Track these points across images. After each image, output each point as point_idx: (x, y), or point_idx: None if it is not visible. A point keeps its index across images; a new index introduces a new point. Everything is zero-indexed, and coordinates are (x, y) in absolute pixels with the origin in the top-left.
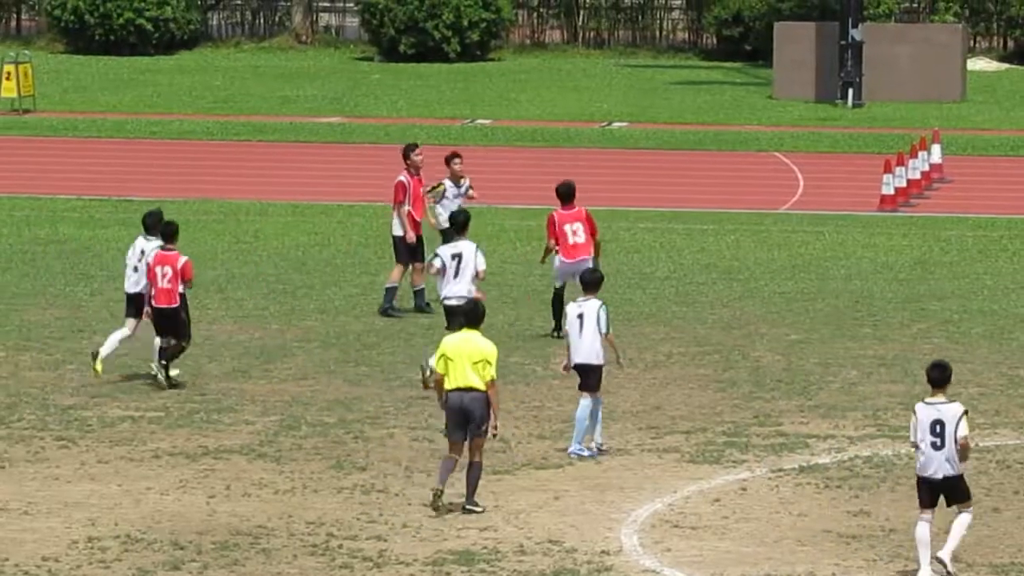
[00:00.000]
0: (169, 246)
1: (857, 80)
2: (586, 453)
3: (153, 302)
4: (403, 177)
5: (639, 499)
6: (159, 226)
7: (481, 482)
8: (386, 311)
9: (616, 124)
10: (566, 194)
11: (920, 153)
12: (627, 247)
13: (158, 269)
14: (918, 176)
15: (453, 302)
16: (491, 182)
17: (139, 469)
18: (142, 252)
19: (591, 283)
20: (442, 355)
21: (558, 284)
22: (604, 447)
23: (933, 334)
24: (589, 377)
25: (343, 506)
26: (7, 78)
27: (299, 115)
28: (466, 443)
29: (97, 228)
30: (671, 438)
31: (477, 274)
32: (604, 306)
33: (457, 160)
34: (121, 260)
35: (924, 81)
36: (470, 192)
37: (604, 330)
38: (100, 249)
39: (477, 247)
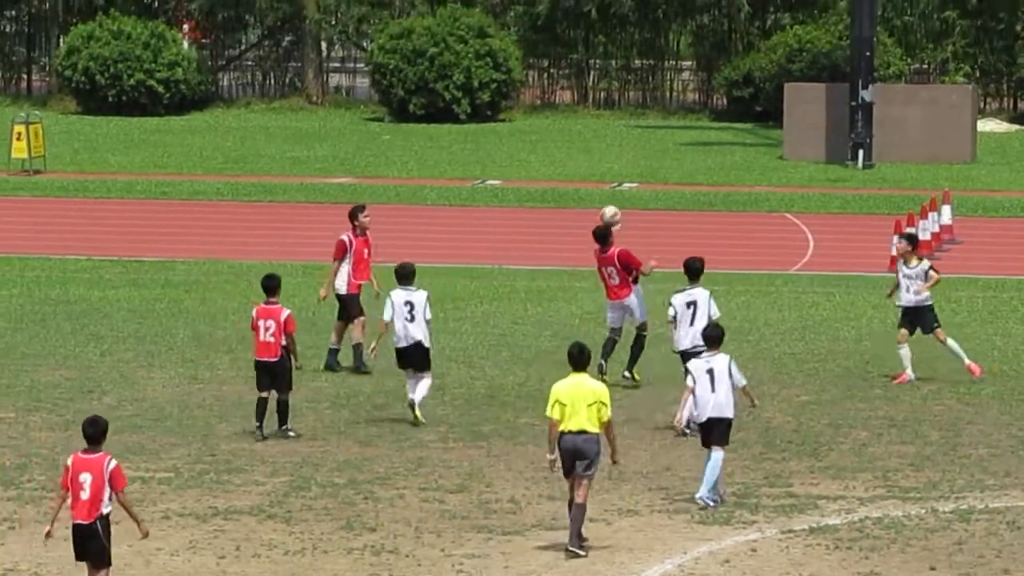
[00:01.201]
0: (272, 300)
1: (867, 141)
2: (711, 502)
3: (255, 355)
4: (346, 236)
5: (649, 560)
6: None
7: (491, 543)
8: (358, 368)
9: (626, 185)
10: (596, 236)
11: (930, 214)
12: None
13: (261, 323)
14: (928, 237)
15: (687, 347)
16: (501, 243)
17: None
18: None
19: (715, 338)
20: (556, 400)
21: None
22: (718, 501)
23: (943, 395)
24: (720, 430)
25: (353, 567)
26: (18, 138)
27: (309, 175)
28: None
29: (107, 289)
30: (681, 499)
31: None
32: (732, 359)
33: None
34: (131, 321)
35: (934, 142)
36: None
37: (740, 383)
38: (110, 310)
39: (710, 294)
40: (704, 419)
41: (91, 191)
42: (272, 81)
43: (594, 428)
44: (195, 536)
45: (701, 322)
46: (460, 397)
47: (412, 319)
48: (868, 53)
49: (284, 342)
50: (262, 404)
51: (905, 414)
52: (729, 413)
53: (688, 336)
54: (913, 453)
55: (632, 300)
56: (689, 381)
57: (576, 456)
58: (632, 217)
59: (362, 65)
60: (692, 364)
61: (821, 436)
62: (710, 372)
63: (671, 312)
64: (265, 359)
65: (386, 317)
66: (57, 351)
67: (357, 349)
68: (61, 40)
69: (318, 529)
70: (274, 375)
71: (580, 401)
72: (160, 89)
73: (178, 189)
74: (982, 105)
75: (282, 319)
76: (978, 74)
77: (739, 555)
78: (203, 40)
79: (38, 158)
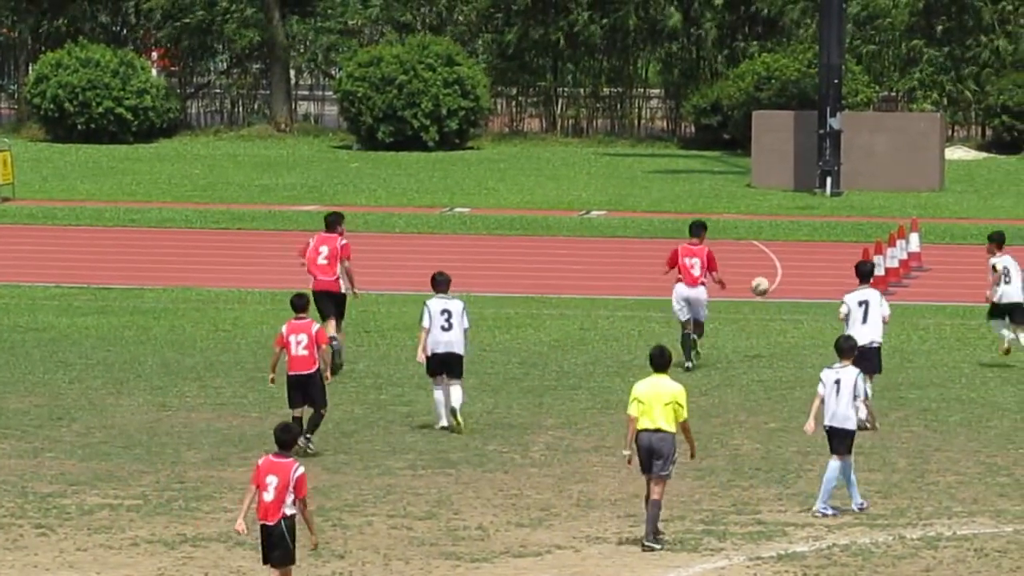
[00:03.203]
0: (301, 316)
1: (835, 169)
2: (830, 512)
3: (288, 370)
4: (312, 239)
5: None
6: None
7: (459, 570)
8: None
9: (594, 213)
10: (696, 227)
11: (898, 241)
12: (606, 335)
13: (292, 337)
14: (896, 265)
15: (862, 345)
16: (469, 270)
17: (118, 557)
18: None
19: (847, 350)
20: (635, 399)
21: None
22: (865, 506)
23: (911, 422)
24: (841, 440)
25: None
26: None
27: (278, 203)
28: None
29: (76, 316)
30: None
31: (883, 319)
32: (861, 374)
33: None
34: (100, 348)
35: (902, 170)
36: None
37: (861, 395)
38: (79, 337)
39: (882, 295)
40: (826, 426)
41: (60, 219)
42: (241, 109)
43: (669, 427)
44: (164, 563)
45: (873, 320)
46: (428, 424)
47: (449, 327)
48: (836, 81)
49: (316, 355)
50: (297, 424)
51: (872, 441)
52: (851, 425)
53: (859, 334)
54: (881, 480)
55: (703, 294)
56: (820, 388)
57: (652, 454)
58: (600, 245)
59: (331, 93)
60: (824, 373)
61: (789, 463)
62: (837, 383)
63: (843, 310)
64: (300, 372)
65: (425, 324)
66: (26, 378)
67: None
68: (30, 68)
69: None
70: (308, 389)
71: (657, 400)
72: (129, 117)
73: (147, 217)
74: (950, 133)
75: (313, 332)
76: (946, 102)
77: None
78: (172, 68)
79: (7, 186)
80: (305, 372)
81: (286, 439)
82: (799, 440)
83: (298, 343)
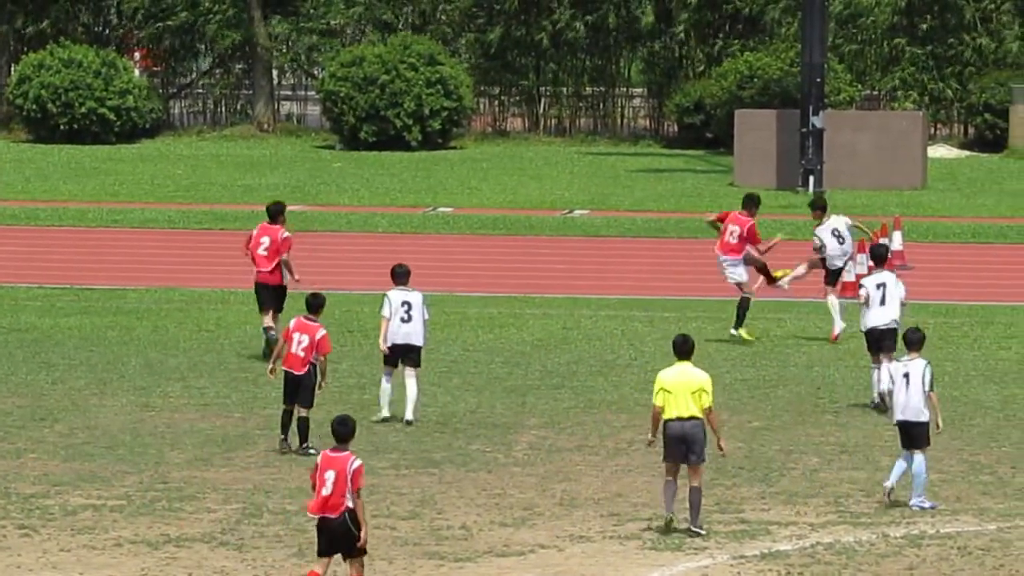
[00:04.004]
0: (311, 316)
1: (818, 167)
2: (927, 505)
3: (282, 364)
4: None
5: None
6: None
7: (443, 569)
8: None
9: (577, 212)
10: (748, 201)
11: (882, 239)
12: (589, 334)
13: (295, 335)
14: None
15: (877, 324)
16: (452, 270)
17: (101, 558)
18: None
19: (915, 342)
20: (661, 388)
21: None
22: (927, 506)
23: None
24: (915, 434)
25: None
26: None
27: (261, 203)
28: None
29: (59, 317)
30: (633, 525)
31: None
32: (929, 365)
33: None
34: (83, 349)
35: (885, 168)
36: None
37: (929, 388)
38: (62, 338)
39: (897, 275)
40: (897, 421)
41: (42, 219)
42: (223, 109)
43: (699, 414)
44: (147, 564)
45: (891, 302)
46: (411, 424)
47: (409, 319)
48: (818, 80)
49: (313, 359)
50: (287, 416)
51: (856, 440)
52: (924, 417)
53: (878, 315)
54: (864, 479)
55: (739, 263)
56: (886, 384)
57: (684, 441)
58: (584, 244)
59: (313, 93)
60: (892, 366)
61: (772, 462)
62: (906, 376)
63: (863, 293)
64: (291, 371)
65: (385, 314)
66: (8, 379)
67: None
68: (12, 69)
69: (270, 556)
70: (297, 388)
71: (684, 389)
72: (111, 117)
73: (129, 217)
74: (932, 131)
75: (317, 337)
76: (928, 100)
77: None
78: (154, 68)
79: None
80: (297, 372)
81: (343, 432)
82: (782, 439)
83: (299, 342)
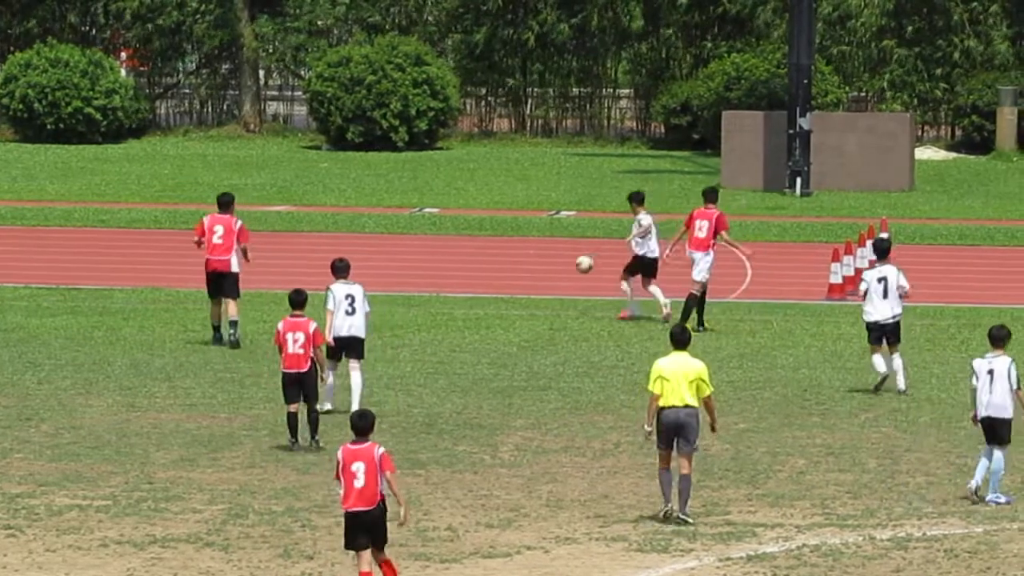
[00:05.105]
0: (297, 313)
1: (805, 169)
2: (1002, 500)
3: (284, 365)
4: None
5: None
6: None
7: (429, 571)
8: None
9: (564, 213)
10: (711, 193)
11: (868, 242)
12: (576, 336)
13: (289, 335)
14: (866, 265)
15: (878, 319)
16: (439, 270)
17: (86, 558)
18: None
19: (1000, 338)
20: (659, 376)
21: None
22: (1002, 500)
23: (881, 423)
24: (1000, 430)
25: None
26: None
27: (247, 204)
28: (674, 454)
29: (45, 317)
30: (619, 527)
31: (901, 292)
32: (1013, 362)
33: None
34: (69, 349)
35: (872, 170)
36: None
37: (1016, 386)
38: (48, 338)
39: (898, 268)
40: (981, 417)
41: (29, 219)
42: (210, 109)
43: (695, 402)
44: (133, 564)
45: (892, 294)
46: (398, 425)
47: (353, 311)
48: (806, 81)
49: (312, 354)
50: (293, 418)
51: (843, 442)
52: (1007, 414)
53: (881, 309)
54: (851, 481)
55: (708, 258)
56: (972, 380)
57: (679, 429)
58: (570, 245)
59: (300, 93)
60: (976, 363)
61: (759, 464)
62: (991, 372)
63: (863, 286)
64: (295, 370)
65: (330, 307)
66: None
67: (233, 325)
68: None
69: (256, 557)
70: (303, 386)
71: (682, 377)
72: (98, 117)
73: (116, 217)
74: (920, 133)
75: (311, 331)
76: (916, 102)
77: None
78: (141, 68)
79: None
80: (300, 370)
81: (363, 425)
82: (769, 441)
83: (295, 341)
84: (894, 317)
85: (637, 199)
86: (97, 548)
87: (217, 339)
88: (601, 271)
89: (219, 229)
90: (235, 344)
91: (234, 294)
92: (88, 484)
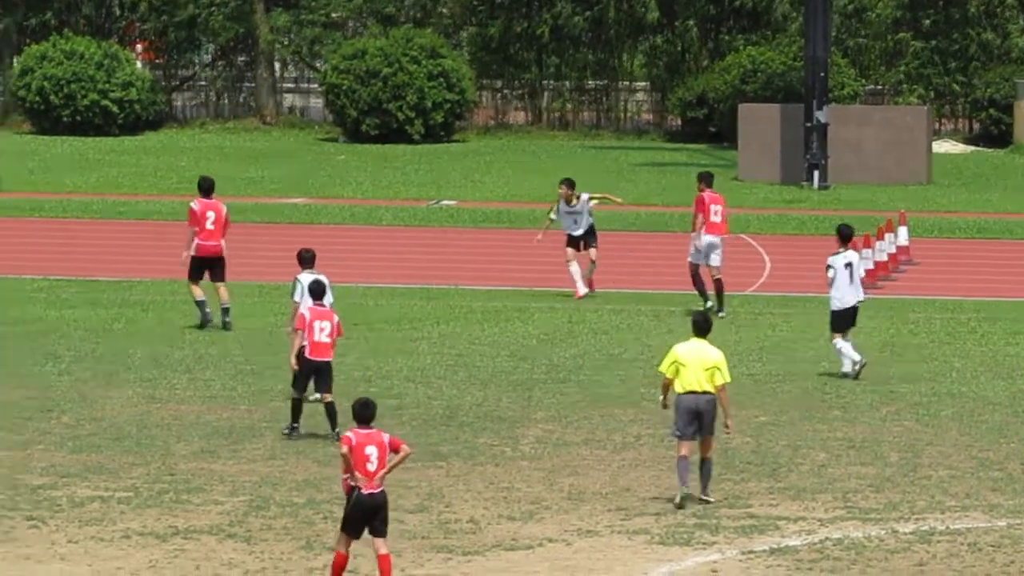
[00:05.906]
0: (320, 303)
1: (823, 162)
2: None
3: (308, 353)
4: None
5: None
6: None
7: (451, 563)
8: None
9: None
10: (709, 177)
11: (887, 235)
12: (595, 328)
13: (316, 323)
14: (885, 259)
15: (847, 305)
16: (457, 263)
17: (109, 549)
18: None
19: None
20: (675, 360)
21: (693, 260)
22: None
23: (903, 417)
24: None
25: None
26: None
27: (264, 196)
28: (697, 442)
29: (64, 309)
30: (641, 520)
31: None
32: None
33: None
34: (89, 341)
35: (890, 163)
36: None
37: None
38: (68, 330)
39: (860, 255)
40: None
41: (47, 211)
42: (226, 101)
43: (713, 390)
44: (155, 556)
45: (856, 280)
46: (418, 417)
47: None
48: (822, 74)
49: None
50: (299, 404)
51: (864, 435)
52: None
53: (850, 294)
54: (873, 474)
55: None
56: (830, 272)
57: (698, 415)
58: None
59: (316, 86)
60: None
61: (780, 457)
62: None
63: (831, 273)
64: (321, 359)
65: (296, 298)
66: (15, 371)
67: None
68: (15, 61)
69: (278, 549)
70: (324, 376)
71: (699, 364)
72: (114, 109)
73: (133, 209)
74: (937, 126)
75: (336, 320)
76: (933, 95)
77: None
78: (156, 60)
79: None
80: (327, 359)
81: (366, 414)
82: (790, 434)
83: (322, 330)
84: (860, 302)
85: (568, 184)
86: (120, 539)
87: (206, 316)
88: (617, 264)
89: (211, 215)
90: (228, 327)
91: (223, 278)
92: (110, 475)
